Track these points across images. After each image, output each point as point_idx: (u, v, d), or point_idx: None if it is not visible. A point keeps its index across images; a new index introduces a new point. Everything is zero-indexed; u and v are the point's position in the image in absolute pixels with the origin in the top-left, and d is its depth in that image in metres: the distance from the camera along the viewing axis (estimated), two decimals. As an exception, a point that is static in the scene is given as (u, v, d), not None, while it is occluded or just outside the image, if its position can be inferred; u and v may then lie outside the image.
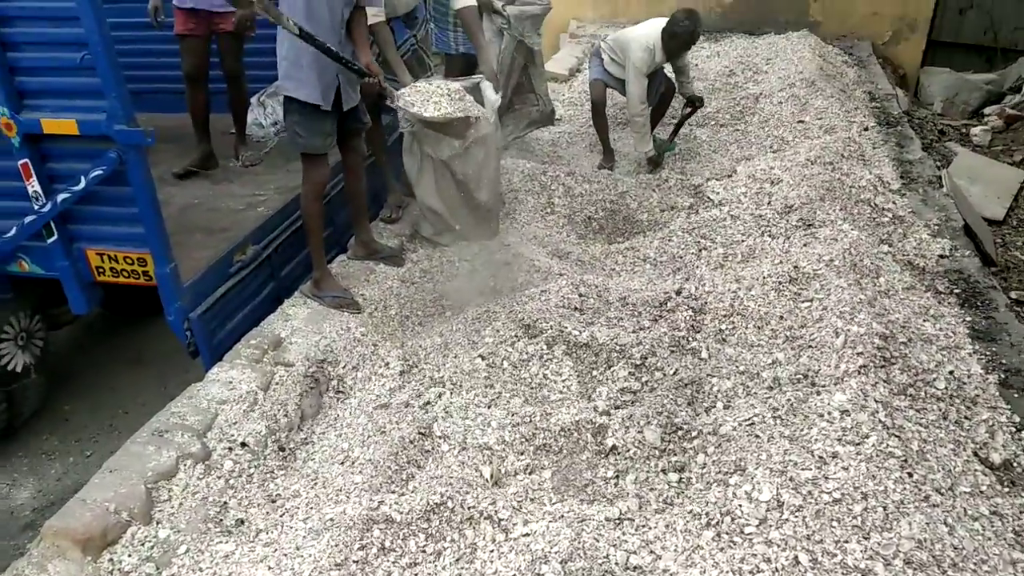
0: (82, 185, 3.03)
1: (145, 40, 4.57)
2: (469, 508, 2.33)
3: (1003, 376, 2.94)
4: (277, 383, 3.11)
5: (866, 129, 5.41)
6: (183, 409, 2.85)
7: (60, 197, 3.08)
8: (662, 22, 4.93)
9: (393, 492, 2.48)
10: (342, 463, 2.74)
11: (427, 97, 3.77)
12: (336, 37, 3.29)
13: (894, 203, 4.30)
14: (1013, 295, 3.99)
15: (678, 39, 4.85)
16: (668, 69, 5.30)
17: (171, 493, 2.53)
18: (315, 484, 2.64)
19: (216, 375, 3.10)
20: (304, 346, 3.35)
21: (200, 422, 2.80)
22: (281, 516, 2.51)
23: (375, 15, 3.60)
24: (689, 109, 5.34)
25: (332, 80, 3.34)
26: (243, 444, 2.74)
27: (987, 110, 7.36)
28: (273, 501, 2.59)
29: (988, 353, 3.09)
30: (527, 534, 2.23)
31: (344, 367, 3.33)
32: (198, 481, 2.58)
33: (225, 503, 2.54)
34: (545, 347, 3.14)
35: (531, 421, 2.71)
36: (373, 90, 3.55)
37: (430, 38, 4.77)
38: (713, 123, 5.91)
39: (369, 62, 3.44)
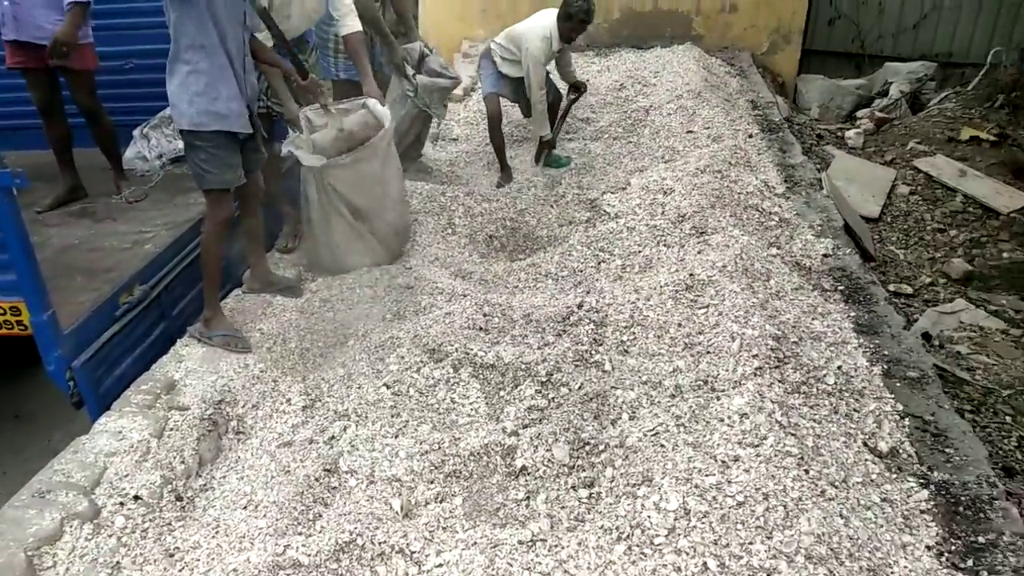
0: (-57, 233, 2.83)
1: (5, 75, 4.30)
2: (380, 543, 2.27)
3: (886, 367, 3.09)
4: (171, 429, 2.97)
5: (751, 136, 5.63)
6: (67, 465, 2.68)
7: (-82, 248, 2.86)
8: (553, 11, 5.03)
9: (300, 534, 2.40)
10: (245, 507, 2.63)
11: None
12: (243, 60, 3.27)
13: (780, 206, 4.48)
14: (891, 288, 4.23)
15: (574, 19, 4.92)
16: (555, 76, 5.42)
17: (56, 559, 2.36)
18: (216, 533, 2.52)
19: (104, 425, 2.93)
20: (200, 387, 3.22)
21: (87, 478, 2.63)
22: (180, 571, 2.38)
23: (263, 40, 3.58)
24: (574, 95, 5.47)
25: (245, 107, 3.30)
26: (136, 497, 2.59)
27: (859, 114, 7.81)
28: (171, 555, 2.46)
29: (872, 346, 3.24)
30: (440, 565, 2.20)
31: (243, 406, 3.21)
32: (86, 543, 2.42)
33: (118, 563, 2.39)
34: (451, 371, 3.11)
35: (440, 448, 2.68)
36: (317, 91, 3.78)
37: (337, 63, 4.71)
38: (606, 136, 6.03)
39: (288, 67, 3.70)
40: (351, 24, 4.13)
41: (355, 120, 4.02)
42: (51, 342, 3.00)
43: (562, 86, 5.74)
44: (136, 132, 4.95)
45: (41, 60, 4.09)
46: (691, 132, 5.58)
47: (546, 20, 5.06)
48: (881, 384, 2.92)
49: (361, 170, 3.91)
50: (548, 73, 5.32)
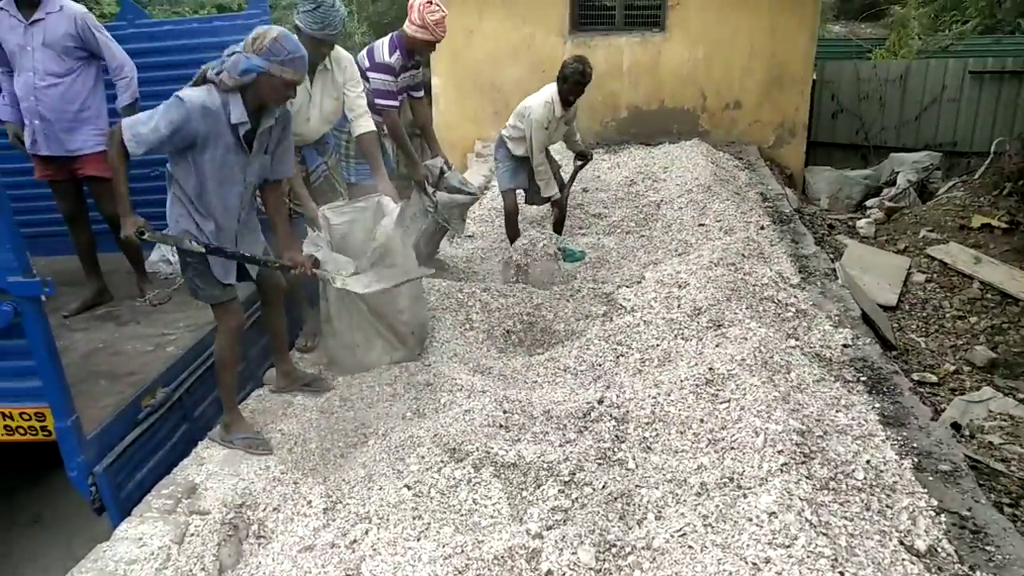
0: (-27, 341, 2.88)
1: (34, 184, 4.44)
2: (403, 655, 2.20)
3: (916, 460, 3.03)
4: (192, 534, 2.93)
5: (762, 228, 5.71)
6: (87, 575, 2.64)
7: (-51, 356, 2.91)
8: (555, 83, 5.28)
9: (321, 645, 2.33)
10: (265, 618, 2.57)
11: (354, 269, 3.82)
12: (235, 213, 3.27)
13: (796, 297, 4.50)
14: (915, 377, 4.19)
15: (570, 80, 5.15)
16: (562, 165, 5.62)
17: (73, 674, 2.31)
18: (236, 645, 2.46)
19: (124, 532, 2.90)
20: (221, 490, 3.19)
21: (106, 588, 2.59)
22: None
23: None
24: (580, 162, 5.64)
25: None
26: (155, 608, 2.54)
27: (868, 203, 7.92)
28: (190, 670, 2.39)
29: (900, 438, 3.20)
30: (466, 677, 2.12)
31: (264, 509, 3.17)
32: (104, 656, 2.36)
33: None
34: (472, 470, 3.08)
35: (463, 551, 2.62)
36: (305, 279, 3.60)
37: (348, 166, 4.87)
38: (619, 230, 6.13)
39: (294, 255, 3.42)
40: (365, 124, 4.29)
41: (369, 219, 4.11)
42: (74, 448, 3.01)
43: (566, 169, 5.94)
44: (160, 236, 5.08)
45: (68, 172, 4.25)
46: (703, 225, 5.68)
47: (548, 88, 5.33)
48: (913, 478, 2.86)
49: (379, 274, 3.97)
50: (559, 169, 5.50)
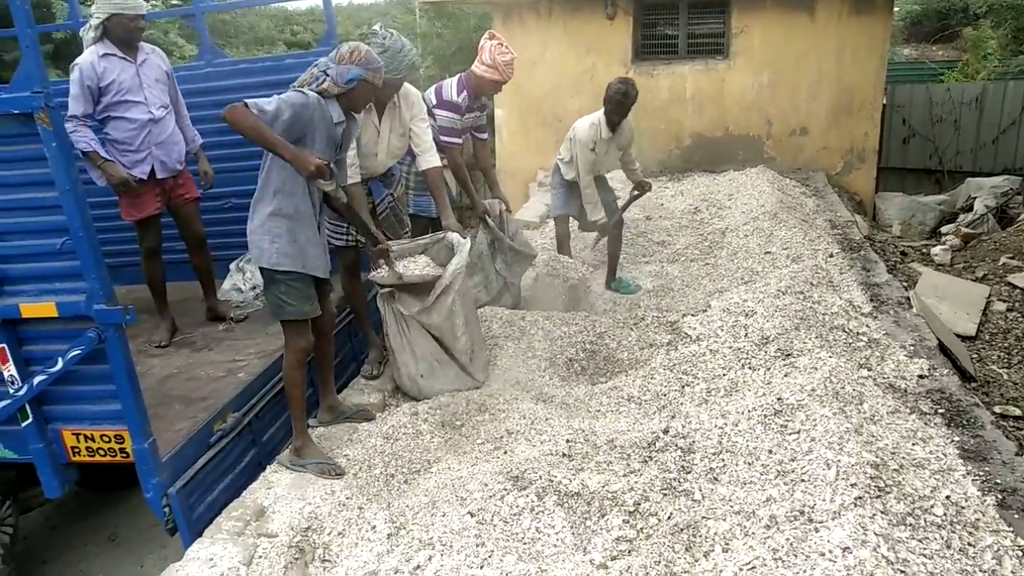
0: (59, 366, 3.02)
1: (109, 217, 4.63)
2: None
3: (1000, 497, 2.89)
4: (260, 556, 2.98)
5: (831, 256, 5.58)
6: (160, 594, 2.71)
7: (36, 379, 3.05)
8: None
9: (385, 671, 2.33)
10: (330, 642, 2.59)
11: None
12: (321, 206, 3.48)
13: (868, 327, 4.37)
14: (997, 409, 4.00)
15: (612, 101, 5.19)
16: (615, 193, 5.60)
17: None
18: (301, 668, 2.48)
19: (196, 552, 2.97)
20: (288, 514, 3.25)
21: (178, 607, 2.66)
22: None
23: (349, 177, 3.81)
24: (637, 192, 5.62)
25: (324, 251, 3.49)
26: (224, 628, 2.59)
27: (944, 229, 7.66)
28: None
29: (981, 473, 3.06)
30: None
31: (330, 533, 3.21)
32: (176, 674, 2.42)
33: None
34: (536, 499, 3.06)
35: (526, 580, 2.60)
36: (379, 257, 3.86)
37: (406, 198, 4.96)
38: (683, 259, 6.07)
39: (377, 233, 3.82)
40: (431, 159, 4.36)
41: (441, 256, 4.20)
42: (151, 469, 3.11)
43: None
44: (232, 265, 5.26)
45: (164, 202, 4.49)
46: (769, 253, 5.58)
47: (596, 112, 5.36)
48: (996, 515, 2.72)
49: (440, 303, 4.03)
50: (615, 199, 5.48)
